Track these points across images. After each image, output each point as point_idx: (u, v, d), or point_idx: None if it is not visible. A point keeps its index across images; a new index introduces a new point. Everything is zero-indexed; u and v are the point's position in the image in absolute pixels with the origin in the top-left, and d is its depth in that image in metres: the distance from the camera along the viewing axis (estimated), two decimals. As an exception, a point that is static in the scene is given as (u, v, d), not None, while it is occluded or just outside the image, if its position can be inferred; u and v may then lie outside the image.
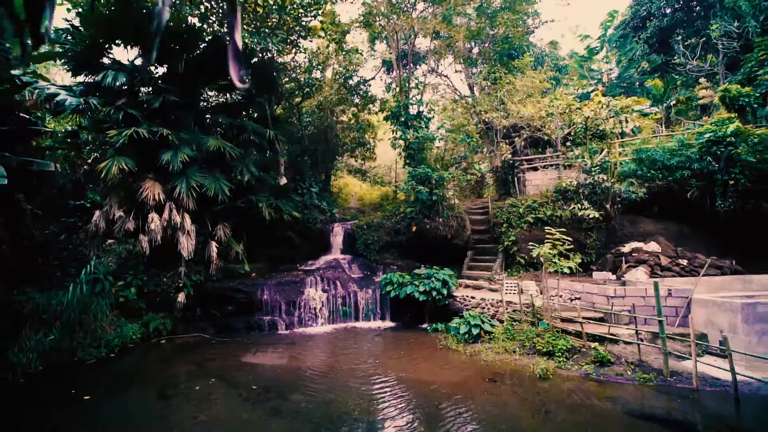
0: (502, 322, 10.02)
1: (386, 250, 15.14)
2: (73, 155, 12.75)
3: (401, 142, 15.03)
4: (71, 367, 8.93)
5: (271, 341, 10.88)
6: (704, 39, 19.01)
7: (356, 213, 20.54)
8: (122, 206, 11.36)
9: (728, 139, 10.95)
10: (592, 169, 11.45)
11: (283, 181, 15.69)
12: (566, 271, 8.60)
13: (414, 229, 13.87)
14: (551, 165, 15.31)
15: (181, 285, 11.90)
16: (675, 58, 19.93)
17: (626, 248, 11.73)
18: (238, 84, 1.56)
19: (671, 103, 18.98)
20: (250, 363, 9.09)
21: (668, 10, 22.41)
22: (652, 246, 11.44)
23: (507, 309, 10.22)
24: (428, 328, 11.51)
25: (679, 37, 19.96)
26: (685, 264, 10.77)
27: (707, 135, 11.39)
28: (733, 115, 12.00)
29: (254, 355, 9.59)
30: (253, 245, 14.26)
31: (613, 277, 10.82)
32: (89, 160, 12.66)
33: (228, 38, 1.24)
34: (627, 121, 11.16)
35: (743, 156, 10.69)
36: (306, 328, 12.15)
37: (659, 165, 11.90)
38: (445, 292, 11.82)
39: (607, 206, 11.82)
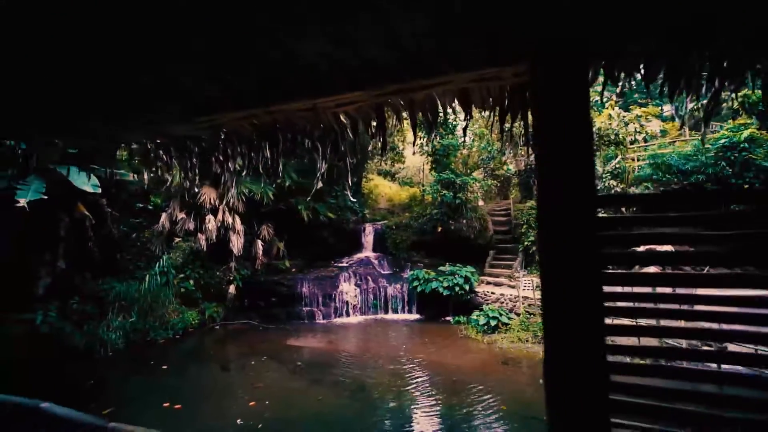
0: (518, 315, 10.96)
1: (413, 249, 16.25)
2: (142, 165, 14.66)
3: (427, 148, 16.11)
4: (146, 345, 10.62)
5: (311, 329, 12.27)
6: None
7: (386, 213, 21.67)
8: (183, 209, 13.10)
9: (742, 145, 11.38)
10: (603, 176, 12.15)
11: (319, 185, 17.08)
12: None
13: (439, 229, 14.93)
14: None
15: (231, 278, 13.53)
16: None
17: (641, 249, 12.34)
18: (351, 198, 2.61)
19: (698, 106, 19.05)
20: (294, 345, 10.48)
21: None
22: (667, 248, 12.00)
23: (523, 303, 11.15)
24: (451, 320, 12.56)
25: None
26: (698, 264, 11.29)
27: (722, 141, 11.84)
28: (750, 121, 12.34)
29: (297, 340, 10.99)
30: (292, 244, 15.74)
31: (627, 275, 11.50)
32: (154, 169, 14.52)
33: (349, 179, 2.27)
34: (637, 131, 11.78)
35: (758, 161, 11.11)
36: (341, 318, 13.47)
37: (674, 169, 12.41)
38: (467, 287, 12.81)
39: (623, 210, 12.46)
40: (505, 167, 22.75)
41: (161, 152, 2.27)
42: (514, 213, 15.45)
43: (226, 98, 1.47)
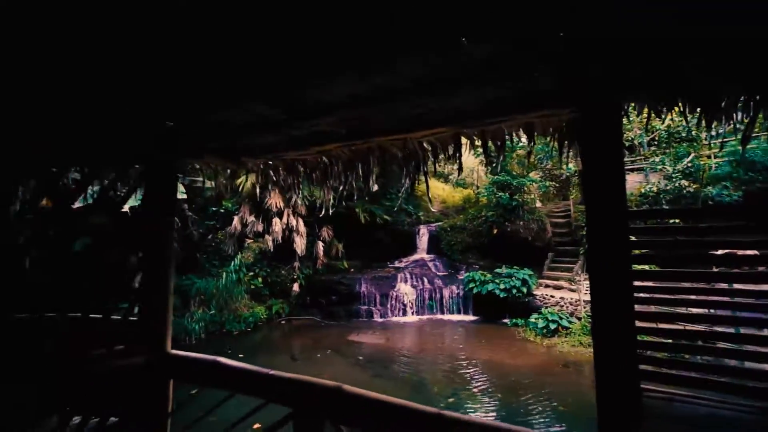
0: (579, 319, 10.72)
1: (468, 251, 16.31)
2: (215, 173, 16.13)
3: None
4: (222, 335, 11.74)
5: (369, 326, 12.82)
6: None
7: (440, 215, 21.80)
8: (252, 213, 14.24)
9: (841, 138, 10.30)
10: (674, 175, 11.46)
11: (375, 188, 17.67)
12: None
13: (495, 232, 14.89)
14: (636, 169, 15.17)
15: (295, 277, 14.47)
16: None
17: (719, 252, 11.53)
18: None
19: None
20: (355, 341, 11.07)
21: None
22: (749, 252, 11.13)
23: (585, 308, 10.88)
24: (508, 322, 12.51)
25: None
26: (785, 270, 10.37)
27: (817, 134, 10.78)
28: None
29: (357, 336, 11.57)
30: (350, 245, 16.44)
31: (701, 281, 10.83)
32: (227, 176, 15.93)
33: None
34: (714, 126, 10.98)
35: None
36: (397, 317, 13.91)
37: (759, 167, 11.45)
38: (524, 290, 12.69)
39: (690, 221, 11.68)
40: (564, 167, 21.93)
41: (270, 171, 2.79)
42: (575, 214, 15.00)
43: (339, 134, 1.91)
